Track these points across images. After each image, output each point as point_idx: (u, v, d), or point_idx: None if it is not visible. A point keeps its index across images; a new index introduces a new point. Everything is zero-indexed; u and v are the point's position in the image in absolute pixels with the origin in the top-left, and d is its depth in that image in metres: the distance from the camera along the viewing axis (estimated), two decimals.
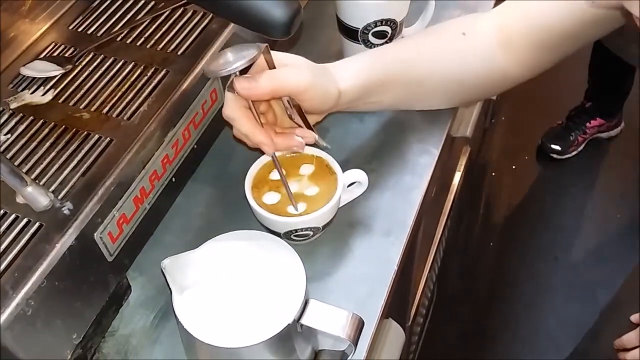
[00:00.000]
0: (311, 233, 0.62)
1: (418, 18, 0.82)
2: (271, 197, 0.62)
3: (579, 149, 2.05)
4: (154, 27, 0.67)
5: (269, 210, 0.60)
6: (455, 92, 0.72)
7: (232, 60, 0.52)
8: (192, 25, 0.67)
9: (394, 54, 0.68)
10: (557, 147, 2.03)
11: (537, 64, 0.69)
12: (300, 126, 0.62)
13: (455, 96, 0.73)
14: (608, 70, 1.88)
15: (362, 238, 0.66)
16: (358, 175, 0.64)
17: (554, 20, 0.64)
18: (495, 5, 0.89)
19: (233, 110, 0.57)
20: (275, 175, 0.63)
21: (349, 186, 0.65)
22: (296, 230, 0.61)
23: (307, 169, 0.64)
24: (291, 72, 0.57)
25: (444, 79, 0.70)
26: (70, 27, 0.68)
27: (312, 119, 0.63)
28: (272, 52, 0.57)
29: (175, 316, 0.50)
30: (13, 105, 0.60)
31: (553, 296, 1.74)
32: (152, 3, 0.70)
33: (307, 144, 0.62)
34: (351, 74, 0.63)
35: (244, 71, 0.54)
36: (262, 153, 0.61)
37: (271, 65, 0.57)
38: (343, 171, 0.63)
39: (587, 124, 2.01)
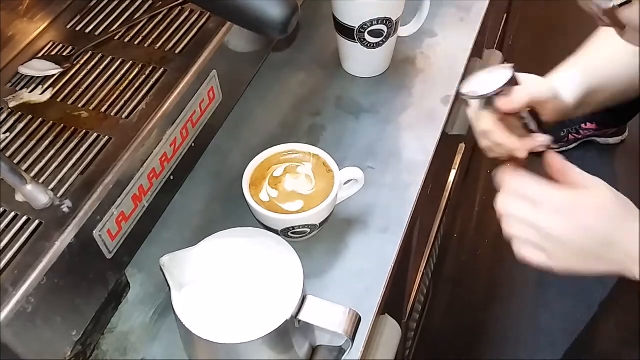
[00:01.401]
0: (308, 230, 0.63)
1: (414, 16, 0.83)
2: (269, 195, 0.62)
3: (569, 147, 2.04)
4: (151, 26, 0.68)
5: (266, 208, 0.60)
6: None
7: (490, 80, 0.59)
8: (189, 24, 0.67)
9: (595, 59, 0.70)
10: None
11: None
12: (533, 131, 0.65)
13: None
14: None
15: (359, 235, 0.66)
16: (355, 173, 0.64)
17: None
18: (490, 4, 0.90)
19: (489, 124, 0.63)
20: (273, 172, 0.64)
21: (345, 184, 0.65)
22: (293, 228, 0.61)
23: (304, 167, 0.64)
24: (536, 84, 0.62)
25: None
26: (68, 26, 0.68)
27: None
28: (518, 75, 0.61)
29: (174, 313, 0.51)
30: (12, 104, 0.61)
31: (547, 292, 1.75)
32: (150, 2, 0.70)
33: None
34: (568, 82, 0.66)
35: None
36: (504, 162, 0.65)
37: (514, 82, 0.61)
38: (340, 169, 0.63)
39: (582, 125, 2.00)
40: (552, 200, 0.54)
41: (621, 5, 0.45)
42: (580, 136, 2.03)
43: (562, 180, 0.56)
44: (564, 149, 2.05)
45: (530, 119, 0.63)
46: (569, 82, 0.67)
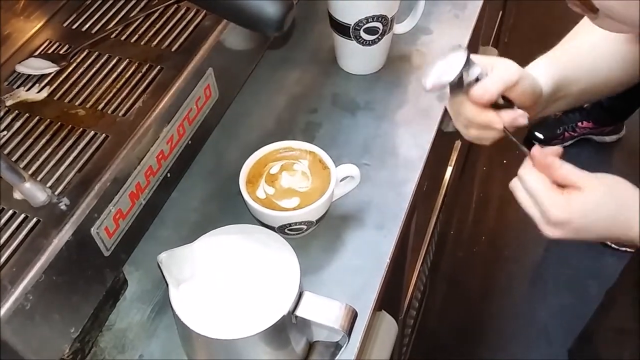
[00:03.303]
0: (305, 227, 0.63)
1: (409, 14, 0.83)
2: (265, 192, 0.63)
3: (565, 144, 2.04)
4: (147, 24, 0.68)
5: (263, 205, 0.61)
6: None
7: (448, 67, 0.58)
8: (185, 22, 0.67)
9: (570, 49, 0.69)
10: (540, 136, 2.02)
11: None
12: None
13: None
14: None
15: (355, 231, 0.67)
16: (351, 169, 0.65)
17: None
18: (485, 1, 0.90)
19: (464, 107, 0.61)
20: (270, 169, 0.64)
21: (341, 180, 0.66)
22: (290, 224, 0.61)
23: (300, 164, 0.65)
24: (505, 70, 0.60)
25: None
26: (65, 25, 0.68)
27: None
28: (477, 56, 0.61)
29: (172, 309, 0.51)
30: (9, 103, 0.61)
31: (544, 288, 1.76)
32: (146, 0, 0.70)
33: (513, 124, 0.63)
34: (540, 72, 0.65)
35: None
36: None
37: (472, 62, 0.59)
38: (336, 166, 0.64)
39: (579, 123, 2.00)
40: (549, 213, 0.57)
41: None
42: (576, 134, 2.03)
43: (548, 175, 0.57)
44: (560, 146, 2.05)
45: (504, 101, 0.62)
46: (542, 70, 0.66)
